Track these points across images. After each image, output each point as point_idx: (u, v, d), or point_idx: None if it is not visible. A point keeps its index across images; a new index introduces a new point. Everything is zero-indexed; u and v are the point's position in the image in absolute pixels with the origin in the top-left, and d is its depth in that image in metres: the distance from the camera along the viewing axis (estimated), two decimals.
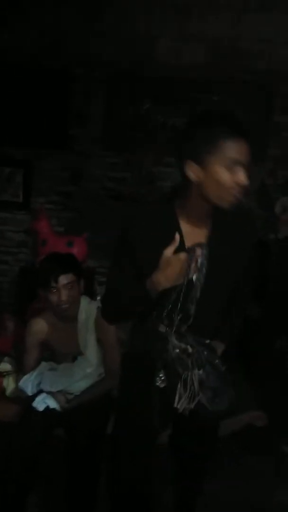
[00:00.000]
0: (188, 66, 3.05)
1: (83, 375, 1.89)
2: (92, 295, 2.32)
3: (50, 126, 3.20)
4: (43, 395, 1.86)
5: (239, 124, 1.16)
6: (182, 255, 1.16)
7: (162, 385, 1.29)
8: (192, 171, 1.16)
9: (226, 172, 1.13)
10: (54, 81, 3.16)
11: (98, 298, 2.96)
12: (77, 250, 2.69)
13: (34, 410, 1.80)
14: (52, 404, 1.84)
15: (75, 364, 1.92)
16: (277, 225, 2.97)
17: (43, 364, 1.94)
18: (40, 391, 1.88)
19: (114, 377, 1.93)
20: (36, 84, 3.16)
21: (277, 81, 3.04)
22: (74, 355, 1.94)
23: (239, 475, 2.05)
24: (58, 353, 1.95)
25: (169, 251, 1.15)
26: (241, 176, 1.13)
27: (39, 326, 1.92)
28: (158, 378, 1.29)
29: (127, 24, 3.01)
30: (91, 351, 1.90)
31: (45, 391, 1.87)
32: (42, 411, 1.81)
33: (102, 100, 3.16)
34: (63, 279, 1.76)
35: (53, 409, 1.83)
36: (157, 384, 1.29)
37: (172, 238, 1.16)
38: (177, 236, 1.17)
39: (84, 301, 1.90)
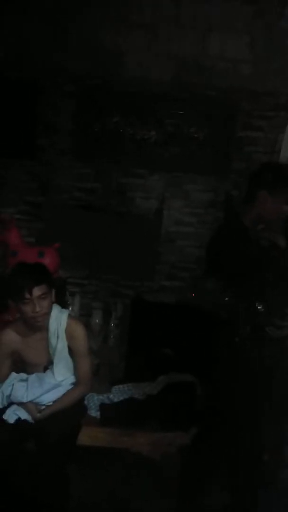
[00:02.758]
0: (155, 81, 3.14)
1: (54, 384, 1.90)
2: (63, 305, 2.33)
3: (17, 136, 3.20)
4: (13, 407, 1.85)
5: None
6: None
7: None
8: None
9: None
10: (22, 92, 3.17)
11: (70, 308, 2.97)
12: (49, 260, 2.69)
13: (4, 422, 1.79)
14: (23, 415, 1.83)
15: (46, 374, 1.92)
16: None
17: (13, 375, 1.93)
18: (10, 403, 1.86)
19: (86, 385, 1.95)
20: (3, 95, 3.16)
21: (239, 98, 3.18)
22: (45, 365, 1.95)
23: None
24: (29, 363, 1.95)
25: None
26: None
27: (9, 337, 1.91)
28: None
29: (95, 38, 3.08)
30: (62, 360, 1.91)
31: (16, 402, 1.85)
32: (13, 423, 1.80)
33: (71, 112, 3.20)
34: (37, 291, 1.77)
35: (25, 421, 1.82)
36: None
37: None
38: None
39: (55, 310, 1.91)
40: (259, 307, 1.75)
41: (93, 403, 2.25)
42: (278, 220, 1.85)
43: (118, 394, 2.36)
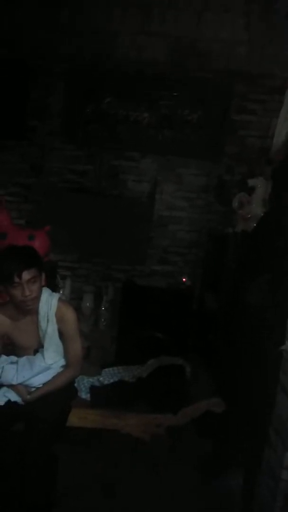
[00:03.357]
0: (149, 62, 3.08)
1: (44, 367, 1.90)
2: (54, 289, 2.32)
3: (8, 118, 3.13)
4: (3, 389, 1.86)
5: None
6: None
7: None
8: None
9: None
10: (13, 72, 3.10)
11: (61, 291, 2.97)
12: (39, 243, 2.67)
13: None
14: (13, 397, 1.84)
15: (36, 357, 1.93)
16: (234, 220, 3.08)
17: (3, 357, 1.93)
18: (0, 385, 1.87)
19: (76, 368, 1.96)
20: None
21: (234, 80, 3.13)
22: (35, 348, 1.95)
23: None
24: (19, 346, 1.95)
25: None
26: None
27: None
28: None
29: (87, 18, 3.00)
30: (52, 343, 1.91)
31: (6, 385, 1.86)
32: (3, 405, 1.81)
33: (62, 93, 3.13)
34: (26, 275, 1.75)
35: (15, 403, 1.83)
36: None
37: None
38: None
39: (45, 294, 1.90)
40: None
41: (83, 386, 2.27)
42: None
43: (108, 376, 2.39)
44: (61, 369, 1.94)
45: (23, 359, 1.91)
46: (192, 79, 3.14)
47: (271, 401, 1.84)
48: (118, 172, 3.25)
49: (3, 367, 1.88)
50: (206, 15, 3.00)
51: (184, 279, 3.19)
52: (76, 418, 2.06)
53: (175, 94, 3.18)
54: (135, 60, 3.08)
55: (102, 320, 3.09)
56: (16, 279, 1.74)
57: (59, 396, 1.91)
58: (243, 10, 2.96)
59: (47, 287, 1.94)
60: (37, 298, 1.84)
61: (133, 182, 3.28)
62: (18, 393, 1.85)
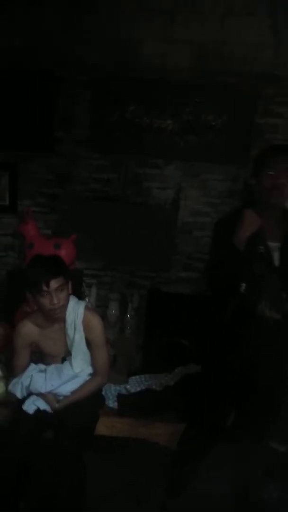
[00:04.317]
0: (173, 69, 3.08)
1: (72, 375, 1.91)
2: (80, 296, 2.34)
3: (35, 129, 3.19)
4: (33, 398, 1.88)
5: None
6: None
7: None
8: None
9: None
10: (39, 83, 3.16)
11: (87, 299, 2.99)
12: (65, 252, 2.71)
13: (24, 413, 1.82)
14: (43, 405, 1.86)
15: (64, 365, 1.94)
16: None
17: (32, 366, 1.96)
18: (30, 394, 1.89)
19: (103, 376, 1.97)
20: (21, 86, 3.15)
21: (259, 84, 3.09)
22: (63, 356, 1.96)
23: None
24: (47, 354, 1.97)
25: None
26: None
27: (27, 328, 1.93)
28: None
29: (111, 27, 3.03)
30: (80, 352, 1.92)
31: (35, 393, 1.88)
32: (32, 414, 1.83)
33: (87, 103, 3.17)
34: (54, 283, 1.78)
35: (44, 411, 1.85)
36: None
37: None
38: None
39: (72, 302, 1.92)
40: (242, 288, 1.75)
41: (111, 394, 2.27)
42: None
43: (135, 385, 2.37)
44: (89, 377, 1.95)
45: (51, 368, 1.93)
46: (216, 84, 3.12)
47: None
48: (142, 179, 3.26)
49: (31, 375, 1.90)
50: (230, 18, 2.99)
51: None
52: (104, 427, 2.06)
53: (198, 100, 3.16)
54: (158, 67, 3.08)
55: (128, 327, 3.08)
56: (44, 288, 1.77)
57: (87, 404, 1.92)
58: (267, 13, 2.93)
59: (73, 295, 1.95)
60: (65, 306, 1.86)
61: (157, 189, 3.27)
62: (47, 401, 1.87)
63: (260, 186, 1.78)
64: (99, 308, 3.08)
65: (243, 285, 1.76)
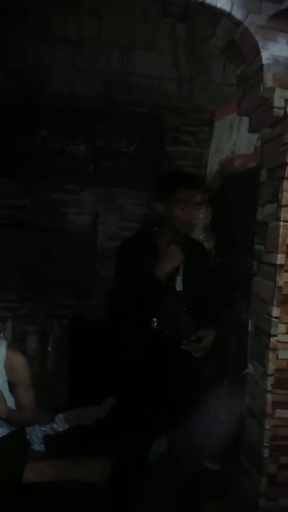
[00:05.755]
0: (83, 96, 3.10)
1: None
2: None
3: None
4: None
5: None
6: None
7: None
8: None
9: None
10: None
11: (1, 335, 2.73)
12: None
13: None
14: None
15: None
16: None
17: None
18: None
19: (32, 412, 1.78)
20: None
21: (166, 114, 3.26)
22: None
23: None
24: None
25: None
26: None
27: None
28: None
29: (18, 54, 2.97)
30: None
31: None
32: None
33: None
34: None
35: None
36: None
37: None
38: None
39: None
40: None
41: (36, 436, 2.09)
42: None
43: (62, 422, 2.22)
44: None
45: None
46: (125, 113, 3.21)
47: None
48: (58, 205, 3.17)
49: None
50: (135, 51, 3.13)
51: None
52: (32, 473, 1.84)
53: (109, 127, 3.22)
54: (67, 94, 3.08)
55: (50, 361, 2.89)
56: None
57: (10, 452, 1.70)
58: (171, 48, 3.13)
59: None
60: None
61: (74, 215, 3.21)
62: None
63: (168, 212, 1.68)
64: (16, 343, 2.84)
65: (155, 320, 1.70)
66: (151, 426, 1.76)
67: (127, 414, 1.80)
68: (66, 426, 2.20)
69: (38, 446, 2.03)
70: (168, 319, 1.69)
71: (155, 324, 1.68)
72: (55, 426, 2.19)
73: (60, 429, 2.18)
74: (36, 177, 3.10)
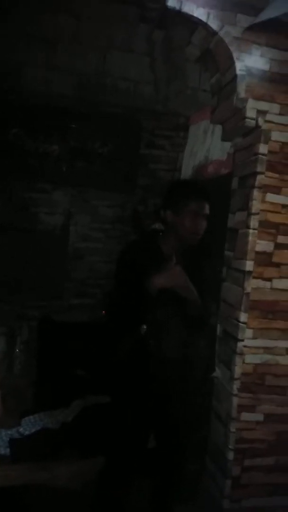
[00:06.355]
0: (57, 95, 3.07)
1: None
2: None
3: None
4: None
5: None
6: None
7: None
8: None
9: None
10: None
11: None
12: None
13: None
14: None
15: None
16: None
17: None
18: None
19: None
20: None
21: (141, 117, 3.26)
22: None
23: None
24: None
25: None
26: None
27: None
28: None
29: None
30: None
31: None
32: None
33: None
34: None
35: None
36: None
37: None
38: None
39: None
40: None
41: (1, 440, 2.04)
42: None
43: (29, 426, 2.19)
44: None
45: None
46: (101, 114, 3.20)
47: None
48: (29, 204, 3.12)
49: None
50: (111, 53, 3.12)
51: (104, 312, 3.10)
52: None
53: (84, 128, 3.19)
54: (42, 94, 3.04)
55: (17, 363, 2.84)
56: None
57: None
58: (148, 51, 3.14)
59: None
60: None
61: (46, 215, 3.16)
62: None
63: (177, 221, 1.67)
64: None
65: (144, 327, 1.72)
66: (140, 427, 1.76)
67: (115, 416, 1.79)
68: (33, 430, 2.16)
69: (3, 449, 1.99)
70: (156, 328, 1.70)
71: (144, 330, 1.69)
72: (21, 429, 2.15)
73: (27, 432, 2.13)
74: (6, 175, 3.04)
